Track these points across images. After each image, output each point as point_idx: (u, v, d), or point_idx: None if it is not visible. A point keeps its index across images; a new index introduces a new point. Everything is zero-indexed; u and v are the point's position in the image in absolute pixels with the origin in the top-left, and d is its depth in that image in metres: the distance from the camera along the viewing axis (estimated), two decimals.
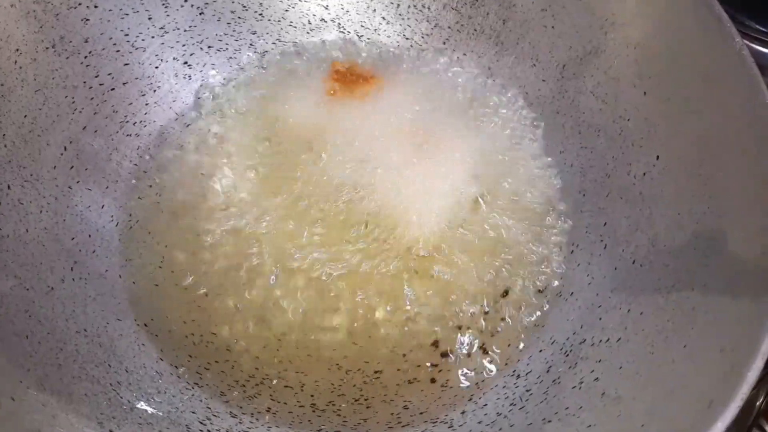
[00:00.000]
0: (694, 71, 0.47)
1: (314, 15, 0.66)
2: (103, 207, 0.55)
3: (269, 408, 0.47)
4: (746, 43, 0.66)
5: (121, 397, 0.44)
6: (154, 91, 0.61)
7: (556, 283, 0.52)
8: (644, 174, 0.50)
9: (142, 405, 0.44)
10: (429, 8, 0.64)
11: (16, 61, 0.50)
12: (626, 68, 0.53)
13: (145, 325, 0.50)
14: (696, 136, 0.46)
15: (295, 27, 0.66)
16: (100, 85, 0.56)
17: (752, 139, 0.42)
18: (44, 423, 0.38)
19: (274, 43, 0.66)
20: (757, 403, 0.52)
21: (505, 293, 0.52)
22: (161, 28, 0.60)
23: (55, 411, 0.39)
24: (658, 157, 0.49)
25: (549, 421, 0.42)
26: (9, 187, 0.48)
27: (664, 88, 0.49)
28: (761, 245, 0.38)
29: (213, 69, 0.64)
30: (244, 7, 0.64)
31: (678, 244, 0.45)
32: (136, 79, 0.59)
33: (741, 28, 0.67)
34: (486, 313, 0.51)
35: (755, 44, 0.67)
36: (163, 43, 0.60)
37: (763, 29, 0.67)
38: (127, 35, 0.58)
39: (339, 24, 0.67)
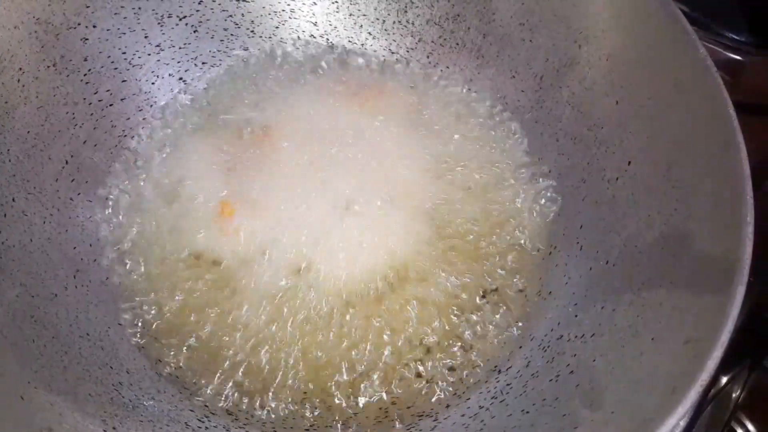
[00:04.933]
0: (662, 81, 0.49)
1: (304, 31, 0.69)
2: (103, 218, 0.57)
3: (264, 405, 0.49)
4: (720, 51, 0.69)
5: (123, 397, 0.46)
6: (151, 106, 0.63)
7: (536, 283, 0.55)
8: (617, 178, 0.52)
9: (143, 404, 0.46)
10: (413, 24, 0.67)
11: (19, 80, 0.52)
12: (600, 79, 0.55)
13: (145, 329, 0.52)
14: (665, 142, 0.49)
15: (285, 42, 0.69)
16: (99, 101, 0.58)
17: (716, 144, 0.44)
18: (53, 421, 0.40)
19: (265, 59, 0.68)
20: (734, 396, 0.54)
21: (487, 294, 0.54)
22: (157, 45, 0.63)
23: (61, 410, 0.41)
24: (629, 162, 0.51)
25: (527, 412, 0.44)
26: (14, 199, 0.50)
27: (635, 97, 0.52)
28: (724, 244, 0.41)
29: (207, 84, 0.66)
30: (237, 24, 0.66)
31: (648, 244, 0.47)
32: (134, 95, 0.62)
33: (715, 36, 0.70)
34: (469, 312, 0.53)
35: (728, 52, 0.70)
36: (159, 60, 0.63)
37: (736, 37, 0.70)
38: (124, 53, 0.60)
39: (327, 39, 0.69)
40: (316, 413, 0.49)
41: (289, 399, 0.50)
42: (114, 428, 0.43)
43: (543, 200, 0.59)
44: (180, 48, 0.64)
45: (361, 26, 0.69)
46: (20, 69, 0.52)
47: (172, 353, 0.51)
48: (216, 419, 0.48)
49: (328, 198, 0.59)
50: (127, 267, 0.55)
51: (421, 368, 0.51)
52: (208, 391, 0.50)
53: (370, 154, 0.62)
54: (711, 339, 0.37)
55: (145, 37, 0.62)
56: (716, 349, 0.36)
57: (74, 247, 0.53)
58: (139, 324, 0.53)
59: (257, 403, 0.49)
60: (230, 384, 0.50)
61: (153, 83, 0.63)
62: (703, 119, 0.46)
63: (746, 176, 0.41)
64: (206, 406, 0.49)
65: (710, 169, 0.44)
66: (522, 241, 0.57)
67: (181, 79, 0.65)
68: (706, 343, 0.37)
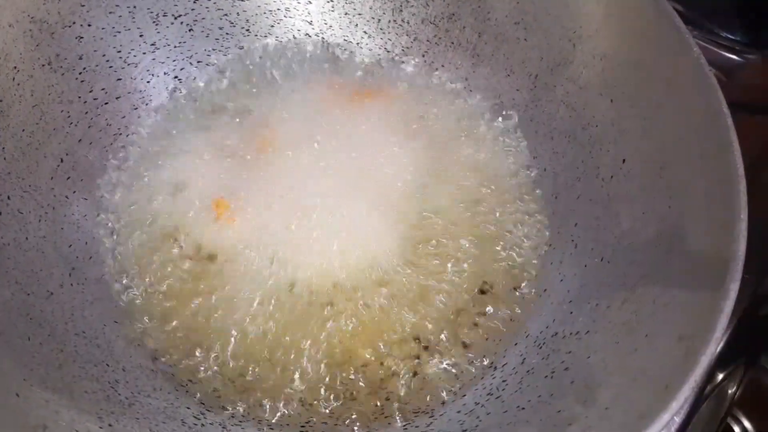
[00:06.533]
0: (656, 80, 0.50)
1: (299, 30, 0.69)
2: (98, 216, 0.57)
3: (260, 403, 0.49)
4: (714, 50, 0.69)
5: (119, 394, 0.46)
6: (146, 104, 0.63)
7: (531, 281, 0.55)
8: (611, 177, 0.52)
9: (139, 401, 0.46)
10: (408, 23, 0.67)
11: (14, 78, 0.52)
12: (594, 78, 0.55)
13: (141, 327, 0.53)
14: (659, 141, 0.49)
15: (281, 41, 0.69)
16: (94, 99, 0.58)
17: (709, 143, 0.44)
18: (48, 418, 0.40)
19: (260, 57, 0.68)
20: (730, 392, 0.54)
21: (483, 291, 0.54)
22: (152, 44, 0.63)
23: (57, 407, 0.41)
24: (624, 160, 0.52)
25: (523, 408, 0.45)
26: (9, 197, 0.50)
27: (629, 96, 0.52)
28: (718, 241, 0.41)
29: (201, 82, 0.66)
30: (232, 23, 0.66)
31: (642, 241, 0.47)
32: (129, 93, 0.62)
33: (710, 35, 0.70)
34: (465, 309, 0.54)
35: (723, 51, 0.70)
36: (154, 59, 0.63)
37: (731, 36, 0.70)
38: (119, 52, 0.60)
39: (323, 39, 0.69)
40: (311, 411, 0.49)
41: (285, 396, 0.50)
42: (110, 425, 0.42)
43: (537, 198, 0.59)
44: (175, 47, 0.64)
45: (357, 25, 0.69)
46: (15, 67, 0.52)
47: (167, 350, 0.51)
48: (212, 416, 0.48)
49: (320, 197, 0.59)
50: (122, 265, 0.55)
51: (416, 365, 0.51)
52: (204, 388, 0.50)
53: (364, 153, 0.62)
54: (705, 335, 0.37)
55: (140, 35, 0.62)
56: (710, 346, 0.37)
57: (69, 245, 0.53)
58: (135, 322, 0.53)
59: (253, 401, 0.49)
60: (226, 381, 0.50)
61: (148, 82, 0.63)
62: (697, 118, 0.46)
63: (740, 174, 0.41)
64: (202, 403, 0.49)
65: (704, 167, 0.44)
66: (516, 239, 0.57)
67: (176, 77, 0.65)
68: (699, 340, 0.37)
